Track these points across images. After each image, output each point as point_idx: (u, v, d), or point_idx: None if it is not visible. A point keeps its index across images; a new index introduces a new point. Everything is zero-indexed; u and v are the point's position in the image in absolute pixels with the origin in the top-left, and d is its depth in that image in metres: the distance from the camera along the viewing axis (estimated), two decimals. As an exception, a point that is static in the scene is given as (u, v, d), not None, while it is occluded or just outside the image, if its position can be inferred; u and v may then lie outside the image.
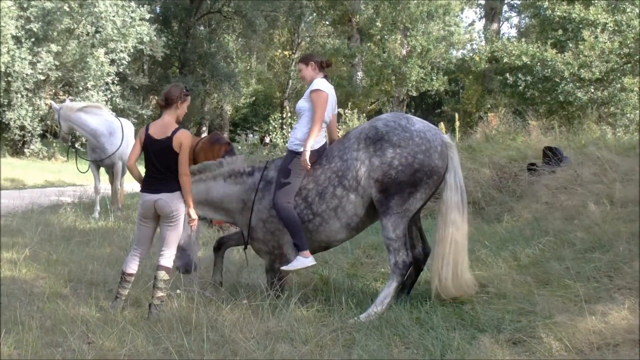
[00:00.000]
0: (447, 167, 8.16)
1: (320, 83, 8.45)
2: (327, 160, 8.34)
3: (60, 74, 36.88)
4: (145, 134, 8.04)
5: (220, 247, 9.27)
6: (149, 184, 8.06)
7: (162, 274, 7.87)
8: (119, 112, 31.46)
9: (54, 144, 37.95)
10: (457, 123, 25.45)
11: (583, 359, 5.88)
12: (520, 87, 29.22)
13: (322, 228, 8.23)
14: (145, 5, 40.41)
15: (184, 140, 7.94)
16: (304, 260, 8.03)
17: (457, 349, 6.28)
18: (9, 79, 34.46)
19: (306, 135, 8.27)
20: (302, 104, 8.50)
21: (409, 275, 8.53)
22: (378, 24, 40.40)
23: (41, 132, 36.89)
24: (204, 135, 33.16)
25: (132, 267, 8.20)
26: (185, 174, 7.97)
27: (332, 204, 8.14)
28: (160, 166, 7.97)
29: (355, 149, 8.13)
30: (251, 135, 54.64)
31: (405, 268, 8.02)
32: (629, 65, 27.51)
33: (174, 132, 7.93)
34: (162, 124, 8.05)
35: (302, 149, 8.21)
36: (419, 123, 8.24)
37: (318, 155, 8.38)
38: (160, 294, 7.81)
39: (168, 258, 8.00)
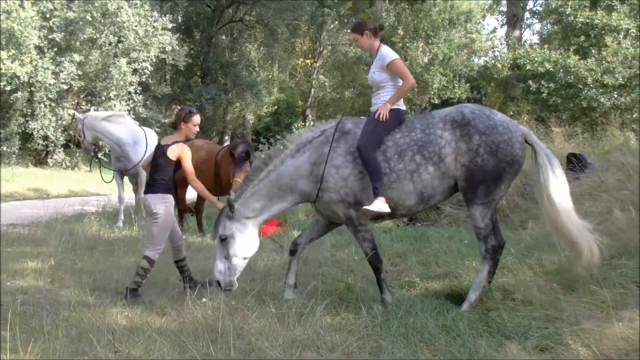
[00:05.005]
0: (535, 152, 8.46)
1: (389, 51, 8.82)
2: (407, 128, 8.53)
3: (83, 84, 37.08)
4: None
5: (295, 250, 9.28)
6: None
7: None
8: (142, 122, 31.49)
9: (77, 154, 38.09)
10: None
11: (611, 365, 5.86)
12: (543, 94, 29.13)
13: (395, 185, 8.31)
14: (168, 15, 40.56)
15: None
16: (381, 205, 8.10)
17: (484, 356, 6.26)
18: (32, 89, 34.65)
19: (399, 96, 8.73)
20: (381, 75, 8.78)
21: None
22: (400, 31, 40.49)
23: (64, 142, 37.03)
24: (226, 144, 33.32)
25: None
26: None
27: (410, 167, 8.27)
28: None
29: (441, 127, 8.29)
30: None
31: (496, 252, 8.31)
32: (652, 70, 27.40)
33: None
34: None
35: (396, 107, 8.63)
36: (499, 114, 8.51)
37: (400, 118, 8.67)
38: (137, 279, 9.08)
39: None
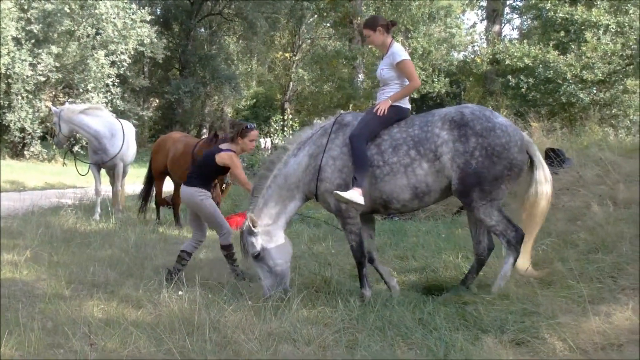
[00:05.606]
0: (533, 164, 8.39)
1: (401, 50, 8.82)
2: (405, 125, 8.56)
3: (60, 76, 36.85)
4: None
5: (371, 258, 9.24)
6: None
7: None
8: (120, 114, 31.23)
9: (54, 146, 37.83)
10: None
11: (587, 359, 5.85)
12: (523, 89, 29.21)
13: (388, 178, 8.32)
14: (146, 7, 40.39)
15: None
16: (356, 195, 8.16)
17: (460, 350, 6.24)
18: (9, 80, 34.40)
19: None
20: (389, 73, 8.82)
21: (472, 268, 8.73)
22: (379, 25, 40.36)
23: (41, 134, 36.78)
24: (204, 137, 33.23)
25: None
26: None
27: (404, 161, 8.26)
28: None
29: (439, 126, 8.25)
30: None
31: (519, 242, 8.18)
32: (631, 67, 27.52)
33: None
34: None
35: (398, 104, 8.70)
36: (501, 117, 8.45)
37: (399, 115, 8.69)
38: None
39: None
